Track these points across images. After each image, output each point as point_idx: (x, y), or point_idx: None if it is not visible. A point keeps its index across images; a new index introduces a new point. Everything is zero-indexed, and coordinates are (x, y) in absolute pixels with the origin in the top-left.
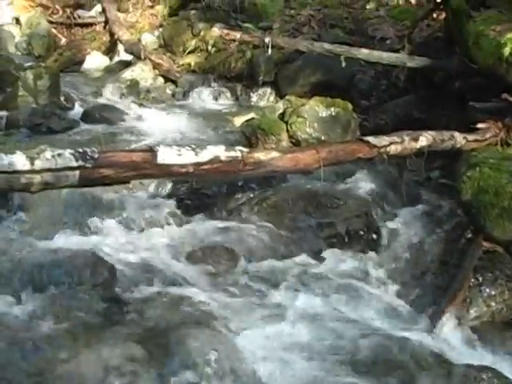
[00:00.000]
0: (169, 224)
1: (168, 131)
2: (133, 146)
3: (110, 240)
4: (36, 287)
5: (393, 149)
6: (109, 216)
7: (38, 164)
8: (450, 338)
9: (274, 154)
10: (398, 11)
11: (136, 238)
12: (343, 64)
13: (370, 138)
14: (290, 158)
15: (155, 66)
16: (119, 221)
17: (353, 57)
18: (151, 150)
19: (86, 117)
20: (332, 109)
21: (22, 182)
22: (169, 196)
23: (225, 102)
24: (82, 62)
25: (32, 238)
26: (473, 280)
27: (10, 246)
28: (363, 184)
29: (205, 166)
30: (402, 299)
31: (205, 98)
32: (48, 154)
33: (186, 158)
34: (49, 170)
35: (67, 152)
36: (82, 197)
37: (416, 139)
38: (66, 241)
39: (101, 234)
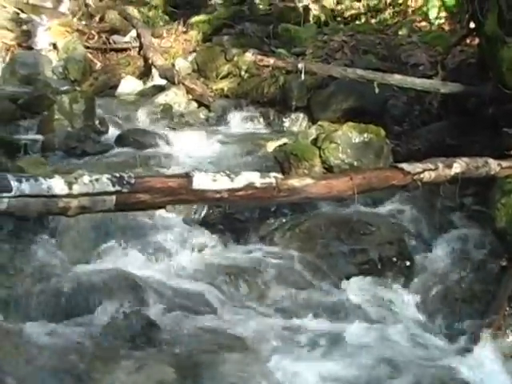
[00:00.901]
0: (201, 248)
1: (201, 156)
2: (166, 171)
3: (143, 264)
4: (70, 311)
5: (426, 176)
6: (142, 240)
7: (76, 188)
8: (485, 366)
9: (308, 180)
10: (430, 37)
11: (169, 263)
12: (376, 90)
13: (404, 165)
14: (323, 185)
15: (188, 90)
16: (152, 245)
17: (386, 83)
18: (187, 176)
19: (120, 140)
20: (365, 134)
21: (60, 206)
22: (202, 220)
23: (257, 127)
24: (116, 86)
25: (66, 262)
26: (507, 309)
27: (45, 270)
28: (396, 210)
29: (239, 192)
30: (435, 327)
31: (237, 122)
32: (86, 178)
33: (220, 183)
34: (86, 194)
35: (104, 177)
36: (116, 220)
37: (450, 166)
38: (100, 265)
39: (134, 259)
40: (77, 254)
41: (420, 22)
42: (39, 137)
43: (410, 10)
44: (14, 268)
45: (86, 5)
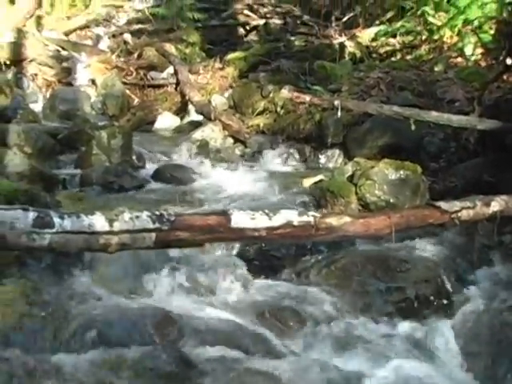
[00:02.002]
0: (237, 284)
1: (237, 192)
2: (203, 207)
3: (178, 299)
4: (103, 344)
5: (464, 214)
6: (177, 275)
7: (117, 225)
8: None
9: (346, 219)
10: (466, 73)
11: (204, 298)
12: (413, 127)
13: (441, 204)
14: (361, 224)
15: (225, 126)
16: (188, 280)
17: (422, 119)
18: (225, 214)
19: (157, 176)
20: (401, 171)
21: (101, 243)
22: (238, 256)
23: (293, 164)
24: (153, 121)
25: (101, 295)
26: None
27: (80, 303)
28: (433, 248)
29: (277, 231)
30: (474, 369)
31: (273, 159)
32: (126, 215)
33: (259, 222)
34: (126, 231)
35: (145, 214)
36: (152, 254)
37: (488, 204)
38: (134, 298)
39: (169, 293)
40: (113, 287)
41: (456, 57)
42: (77, 171)
43: (445, 46)
44: (50, 300)
45: (125, 42)
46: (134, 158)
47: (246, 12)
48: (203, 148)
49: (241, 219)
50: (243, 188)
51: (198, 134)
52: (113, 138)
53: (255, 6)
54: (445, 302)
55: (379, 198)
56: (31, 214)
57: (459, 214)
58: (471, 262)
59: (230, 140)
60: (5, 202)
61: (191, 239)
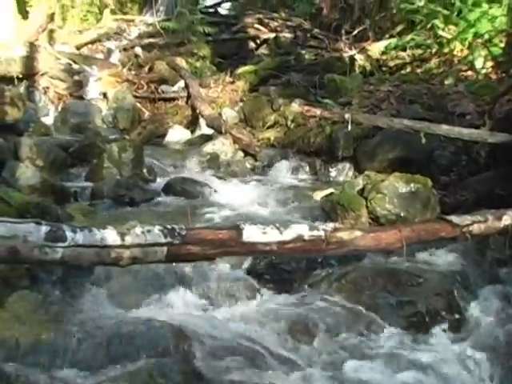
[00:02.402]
0: (248, 298)
1: (247, 205)
2: (214, 221)
3: (190, 312)
4: (115, 358)
5: (476, 228)
6: (189, 288)
7: (128, 239)
8: None
9: (357, 233)
10: (477, 86)
11: (215, 311)
12: (423, 140)
13: (453, 217)
14: (372, 238)
15: (235, 140)
16: (199, 293)
17: (432, 133)
18: (237, 228)
19: (168, 189)
20: (412, 185)
21: (112, 257)
22: (248, 270)
23: (304, 177)
24: (164, 135)
25: (113, 309)
26: None
27: (92, 317)
28: (444, 261)
29: (289, 245)
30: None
31: (284, 172)
32: (138, 229)
33: (270, 236)
34: (138, 245)
35: (156, 228)
36: (163, 267)
37: (499, 218)
38: (146, 312)
39: (180, 307)
40: (125, 301)
41: (466, 71)
42: (89, 184)
43: (455, 60)
44: (62, 314)
45: (136, 56)
46: (144, 171)
47: (256, 26)
48: (214, 161)
49: (252, 233)
50: (253, 201)
51: (208, 148)
52: (124, 151)
53: (265, 20)
54: (456, 316)
55: (390, 212)
56: (44, 228)
57: (470, 228)
58: (483, 275)
59: (241, 153)
60: (17, 214)
61: (202, 253)
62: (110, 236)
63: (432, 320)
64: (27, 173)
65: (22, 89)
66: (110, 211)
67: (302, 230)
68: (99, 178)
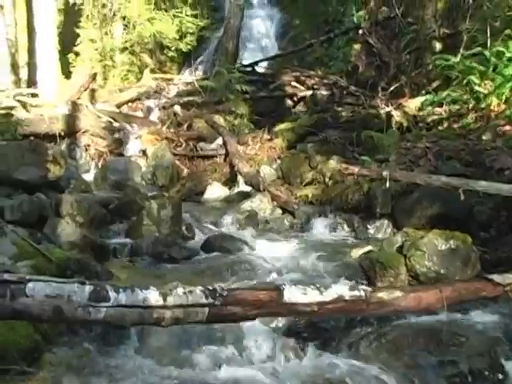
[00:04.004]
0: (286, 357)
1: (286, 262)
2: (253, 279)
3: (226, 371)
4: None
5: None
6: (225, 345)
7: (170, 300)
8: None
9: (397, 293)
10: None
11: (252, 369)
12: (462, 197)
13: (494, 276)
14: (413, 298)
15: (273, 197)
16: (236, 351)
17: (471, 189)
18: (277, 289)
19: (206, 246)
20: (451, 242)
21: (154, 317)
22: (288, 329)
23: (342, 234)
24: (202, 192)
25: (149, 367)
26: None
27: (129, 374)
28: (486, 319)
29: (329, 306)
30: None
31: (322, 229)
32: (180, 290)
33: (310, 296)
34: (180, 306)
35: (198, 289)
36: (203, 327)
37: None
38: (183, 370)
39: (217, 364)
40: (161, 359)
41: (504, 125)
42: (128, 241)
43: (492, 115)
44: (100, 371)
45: (175, 114)
46: (183, 228)
47: (293, 83)
48: (252, 218)
49: (292, 294)
50: (291, 259)
51: (246, 205)
52: (163, 208)
53: (302, 78)
54: (500, 376)
55: (429, 269)
56: (87, 288)
57: None
58: None
59: (279, 210)
60: (57, 270)
61: (243, 314)
62: (153, 296)
63: (475, 380)
64: (68, 229)
65: (63, 146)
66: (150, 268)
67: (342, 290)
68: (138, 235)
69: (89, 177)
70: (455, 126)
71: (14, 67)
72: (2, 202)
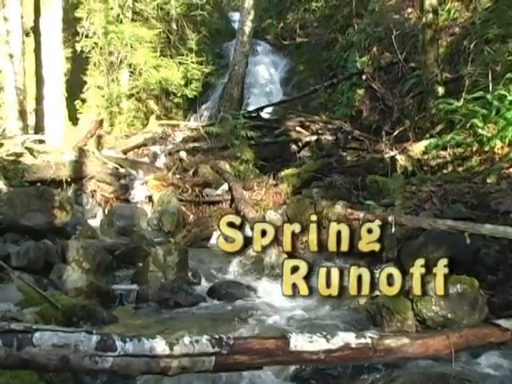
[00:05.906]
0: None
1: (292, 308)
2: (259, 326)
3: None
4: None
5: None
6: None
7: (177, 349)
8: None
9: (404, 340)
10: None
11: None
12: (468, 241)
13: (502, 321)
14: (420, 345)
15: (279, 242)
16: None
17: (477, 233)
18: (284, 338)
19: (213, 292)
20: (458, 286)
21: (161, 366)
22: (294, 375)
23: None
24: (209, 238)
25: None
26: None
27: None
28: (495, 364)
29: (336, 353)
30: None
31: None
32: (186, 339)
33: (317, 345)
34: (186, 355)
35: (204, 338)
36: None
37: None
38: None
39: None
40: None
41: (508, 168)
42: (134, 287)
43: (496, 157)
44: None
45: (181, 160)
46: (189, 274)
47: (297, 129)
48: (258, 264)
49: (299, 342)
50: (298, 304)
51: (252, 250)
52: (169, 254)
53: (307, 123)
54: None
55: (436, 314)
56: (94, 337)
57: None
58: None
59: (285, 255)
60: (63, 317)
61: (250, 363)
62: (159, 346)
63: None
64: (74, 275)
65: (70, 192)
66: (155, 315)
67: (348, 337)
68: (144, 281)
69: (95, 223)
70: (460, 169)
71: (22, 114)
72: (8, 249)
